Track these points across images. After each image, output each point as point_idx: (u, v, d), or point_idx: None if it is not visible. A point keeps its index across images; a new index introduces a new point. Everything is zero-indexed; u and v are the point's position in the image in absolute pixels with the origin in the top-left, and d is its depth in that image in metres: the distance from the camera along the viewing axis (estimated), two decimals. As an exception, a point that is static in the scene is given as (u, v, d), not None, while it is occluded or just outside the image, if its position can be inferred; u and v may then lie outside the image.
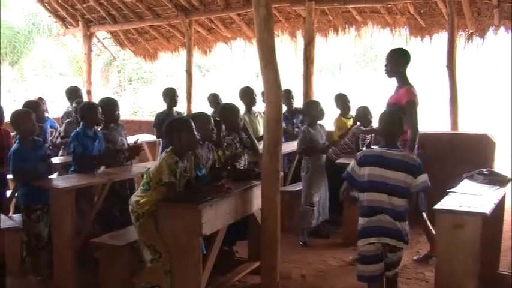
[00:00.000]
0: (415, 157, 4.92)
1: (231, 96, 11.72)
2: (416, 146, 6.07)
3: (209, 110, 9.31)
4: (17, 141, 6.15)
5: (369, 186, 4.73)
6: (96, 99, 12.69)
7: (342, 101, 8.40)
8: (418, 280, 6.01)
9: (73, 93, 8.99)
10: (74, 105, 8.19)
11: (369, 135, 7.80)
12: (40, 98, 9.29)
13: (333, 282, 6.06)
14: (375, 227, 4.68)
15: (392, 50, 6.65)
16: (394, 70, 6.39)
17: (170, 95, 8.70)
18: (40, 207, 5.97)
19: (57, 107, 10.30)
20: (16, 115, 6.18)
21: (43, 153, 6.19)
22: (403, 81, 6.39)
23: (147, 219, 4.99)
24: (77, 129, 6.41)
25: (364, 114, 7.83)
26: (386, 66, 6.46)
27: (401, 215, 4.67)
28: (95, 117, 6.46)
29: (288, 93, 8.75)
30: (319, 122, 7.57)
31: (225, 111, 6.57)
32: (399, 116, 5.03)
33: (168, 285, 4.99)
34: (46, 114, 8.66)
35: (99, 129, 6.69)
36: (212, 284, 5.46)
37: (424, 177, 4.67)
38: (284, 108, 8.15)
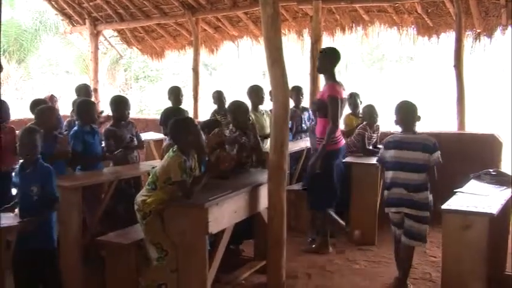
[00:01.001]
0: (431, 137, 5.45)
1: (237, 95, 11.71)
2: None
3: (213, 107, 9.44)
4: None
5: (391, 166, 5.55)
6: (102, 98, 12.75)
7: (352, 100, 8.39)
8: (425, 280, 5.99)
9: (82, 91, 9.00)
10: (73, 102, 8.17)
11: (374, 135, 7.79)
12: (52, 96, 9.32)
13: (339, 281, 6.04)
14: (394, 198, 5.50)
15: (323, 49, 7.31)
16: (323, 67, 6.83)
17: (175, 94, 8.75)
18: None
19: (63, 105, 10.26)
20: (41, 111, 6.27)
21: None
22: (329, 78, 6.77)
23: (154, 217, 5.00)
24: (75, 128, 6.42)
25: (369, 113, 7.79)
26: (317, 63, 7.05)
27: (418, 187, 5.34)
28: (91, 115, 6.49)
29: (298, 90, 8.82)
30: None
31: (234, 107, 6.58)
32: (413, 105, 5.60)
33: (174, 284, 5.00)
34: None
35: (108, 125, 6.73)
36: (218, 283, 5.46)
37: (437, 154, 5.31)
38: (292, 104, 8.22)
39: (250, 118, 6.66)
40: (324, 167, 6.60)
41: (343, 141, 6.91)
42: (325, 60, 6.80)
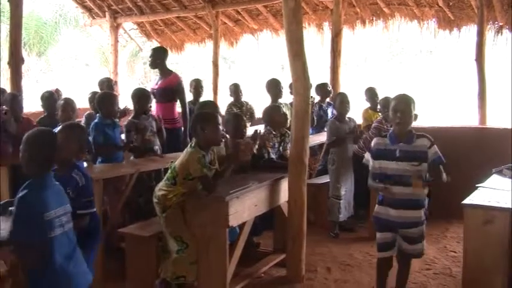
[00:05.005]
0: (425, 140, 4.68)
1: (256, 88, 11.71)
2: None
3: (230, 100, 9.49)
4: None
5: (378, 177, 4.80)
6: (121, 90, 12.80)
7: (370, 94, 8.37)
8: (445, 275, 5.96)
9: (105, 84, 9.05)
10: (89, 96, 8.21)
11: (391, 129, 7.73)
12: (57, 90, 9.37)
13: (358, 275, 6.03)
14: (382, 219, 4.81)
15: (154, 48, 8.67)
16: (155, 62, 7.92)
17: (194, 87, 8.80)
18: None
19: (83, 98, 10.32)
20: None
21: None
22: (167, 70, 7.92)
23: (174, 210, 5.01)
24: (95, 120, 6.43)
25: (386, 105, 7.70)
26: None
27: (409, 203, 4.66)
28: (111, 108, 6.46)
29: (325, 86, 8.94)
30: (347, 115, 7.53)
31: (270, 110, 6.78)
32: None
33: (193, 276, 5.02)
34: None
35: (130, 118, 6.76)
36: (238, 276, 5.47)
37: (433, 149, 4.64)
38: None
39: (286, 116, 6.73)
40: None
41: None
42: (158, 56, 7.92)
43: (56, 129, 4.39)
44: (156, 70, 8.23)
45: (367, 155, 4.94)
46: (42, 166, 3.56)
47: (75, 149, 4.17)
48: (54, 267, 3.49)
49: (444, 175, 4.66)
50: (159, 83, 7.85)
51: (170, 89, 7.68)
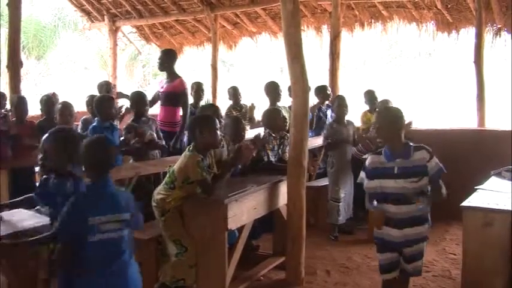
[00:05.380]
0: (424, 153, 4.31)
1: (255, 91, 11.71)
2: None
3: (229, 103, 9.49)
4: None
5: (377, 198, 4.43)
6: (121, 94, 12.77)
7: (369, 97, 8.38)
8: (445, 278, 5.95)
9: (104, 88, 9.04)
10: (86, 99, 8.21)
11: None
12: (54, 94, 9.37)
13: (357, 278, 6.03)
14: (386, 240, 4.43)
15: (163, 50, 8.59)
16: (163, 65, 7.85)
17: (195, 90, 8.79)
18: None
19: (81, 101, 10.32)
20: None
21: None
22: (174, 74, 7.79)
23: (173, 214, 5.00)
24: (94, 124, 6.43)
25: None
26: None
27: (412, 220, 4.31)
28: (109, 111, 6.48)
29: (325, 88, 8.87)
30: (346, 118, 7.54)
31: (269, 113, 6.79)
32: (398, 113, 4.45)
33: (192, 279, 5.01)
34: None
35: (129, 121, 6.76)
36: (237, 279, 5.46)
37: (433, 162, 4.29)
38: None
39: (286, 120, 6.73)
40: None
41: None
42: (166, 60, 7.82)
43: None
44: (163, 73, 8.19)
45: (362, 174, 4.51)
46: (95, 172, 3.70)
47: (64, 158, 4.04)
48: (86, 272, 3.55)
49: (444, 190, 4.36)
50: (164, 86, 7.81)
51: (174, 94, 7.65)
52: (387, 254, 4.46)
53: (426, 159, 4.28)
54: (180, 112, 7.84)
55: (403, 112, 4.43)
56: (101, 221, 3.54)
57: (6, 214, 4.13)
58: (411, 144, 4.36)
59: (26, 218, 4.02)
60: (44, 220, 3.90)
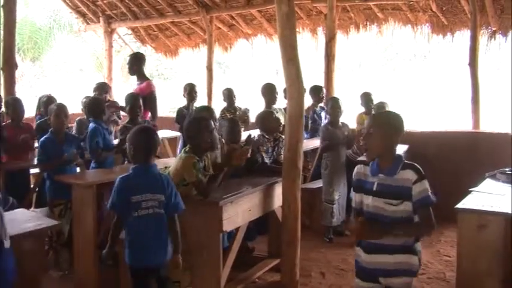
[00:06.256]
0: (410, 173, 3.51)
1: (251, 93, 11.71)
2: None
3: (224, 105, 9.54)
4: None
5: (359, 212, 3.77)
6: (116, 95, 12.76)
7: (365, 99, 8.39)
8: (439, 280, 5.96)
9: (100, 89, 9.03)
10: (82, 100, 8.22)
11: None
12: (50, 96, 9.36)
13: (352, 280, 5.99)
14: (359, 265, 3.81)
15: (130, 54, 8.82)
16: (132, 69, 8.15)
17: (188, 91, 8.80)
18: (64, 202, 6.01)
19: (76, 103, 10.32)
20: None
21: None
22: (143, 77, 8.12)
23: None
24: (92, 126, 6.44)
25: (380, 110, 7.76)
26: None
27: (386, 247, 3.57)
28: (102, 111, 6.65)
29: (319, 90, 8.87)
30: (340, 120, 7.55)
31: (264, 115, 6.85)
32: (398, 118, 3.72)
33: (187, 282, 5.01)
34: None
35: (124, 123, 6.85)
36: (232, 281, 5.46)
37: (421, 186, 3.49)
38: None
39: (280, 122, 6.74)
40: None
41: None
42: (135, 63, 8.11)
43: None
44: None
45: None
46: (141, 155, 4.28)
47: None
48: (132, 237, 4.29)
49: (433, 222, 3.50)
50: (135, 88, 7.99)
51: (141, 96, 7.42)
52: (359, 281, 3.83)
53: (411, 180, 3.48)
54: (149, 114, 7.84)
55: (403, 120, 3.70)
56: (142, 199, 4.16)
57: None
58: (403, 160, 3.61)
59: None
60: (45, 222, 4.42)
